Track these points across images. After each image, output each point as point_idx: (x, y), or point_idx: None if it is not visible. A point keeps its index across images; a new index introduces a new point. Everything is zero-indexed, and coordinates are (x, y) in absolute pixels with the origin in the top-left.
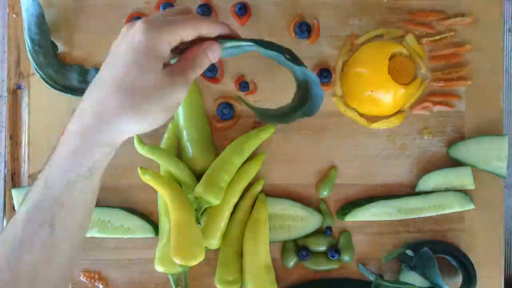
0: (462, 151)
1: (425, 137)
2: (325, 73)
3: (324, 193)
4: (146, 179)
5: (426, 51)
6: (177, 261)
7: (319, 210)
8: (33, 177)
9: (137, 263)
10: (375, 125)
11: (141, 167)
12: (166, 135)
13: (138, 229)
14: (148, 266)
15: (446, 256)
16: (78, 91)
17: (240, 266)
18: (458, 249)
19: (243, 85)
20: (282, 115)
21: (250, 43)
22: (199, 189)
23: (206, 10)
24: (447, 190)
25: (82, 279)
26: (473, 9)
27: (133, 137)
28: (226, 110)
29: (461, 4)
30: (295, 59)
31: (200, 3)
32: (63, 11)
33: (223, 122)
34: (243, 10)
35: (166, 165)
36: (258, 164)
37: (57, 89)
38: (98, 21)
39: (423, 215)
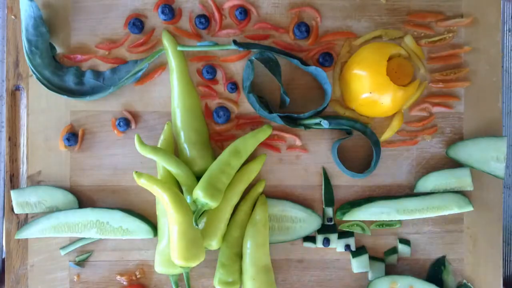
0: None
1: (425, 139)
2: (327, 57)
3: None
4: (142, 183)
5: (425, 52)
6: (178, 262)
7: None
8: (31, 178)
9: (136, 264)
10: (385, 137)
11: (136, 171)
12: (162, 137)
13: (137, 230)
14: (147, 267)
15: None
16: (74, 93)
17: (240, 267)
18: None
19: (231, 86)
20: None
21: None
22: (197, 192)
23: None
24: (445, 191)
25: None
26: (472, 10)
27: (132, 139)
28: (222, 112)
29: (460, 5)
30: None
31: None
32: (61, 12)
33: (221, 124)
34: (243, 14)
35: (167, 165)
36: (258, 165)
37: (53, 90)
38: (96, 23)
39: (421, 216)
